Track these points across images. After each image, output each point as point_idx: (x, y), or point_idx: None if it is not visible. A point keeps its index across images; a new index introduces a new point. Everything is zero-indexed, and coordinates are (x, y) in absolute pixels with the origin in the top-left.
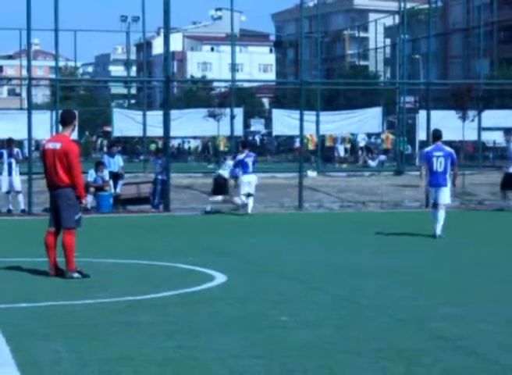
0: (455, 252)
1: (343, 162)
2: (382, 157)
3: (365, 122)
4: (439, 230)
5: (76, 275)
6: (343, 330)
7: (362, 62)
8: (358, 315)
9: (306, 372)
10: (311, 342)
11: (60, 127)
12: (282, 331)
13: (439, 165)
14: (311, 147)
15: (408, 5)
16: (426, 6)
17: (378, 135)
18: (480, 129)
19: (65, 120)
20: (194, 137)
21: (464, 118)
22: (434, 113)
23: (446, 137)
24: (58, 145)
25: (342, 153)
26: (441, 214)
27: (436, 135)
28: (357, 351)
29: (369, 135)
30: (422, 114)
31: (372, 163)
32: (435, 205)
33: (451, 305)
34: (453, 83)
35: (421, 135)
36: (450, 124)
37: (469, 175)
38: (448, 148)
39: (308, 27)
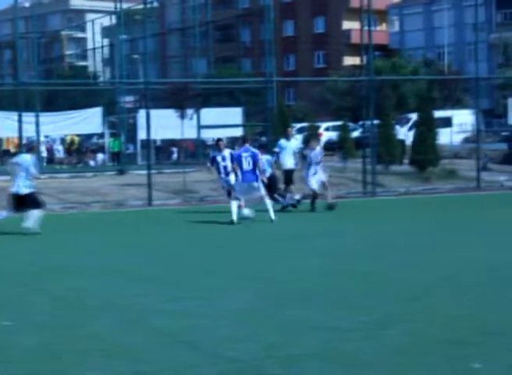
0: (179, 249)
1: (63, 163)
2: (101, 156)
3: (86, 122)
4: (273, 216)
5: None
6: (69, 330)
7: (81, 63)
8: (82, 315)
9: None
10: (37, 345)
11: None
12: (6, 336)
13: (247, 164)
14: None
15: (124, 6)
16: (142, 6)
17: (101, 136)
18: (199, 127)
19: None
20: None
21: (182, 116)
22: (154, 112)
23: (166, 135)
24: None
25: (61, 154)
26: (268, 202)
27: (244, 139)
28: (83, 350)
29: (90, 135)
30: (142, 113)
31: (93, 163)
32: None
33: (175, 301)
34: (171, 83)
35: (142, 134)
36: (170, 123)
37: (190, 172)
38: (253, 149)
39: (25, 28)
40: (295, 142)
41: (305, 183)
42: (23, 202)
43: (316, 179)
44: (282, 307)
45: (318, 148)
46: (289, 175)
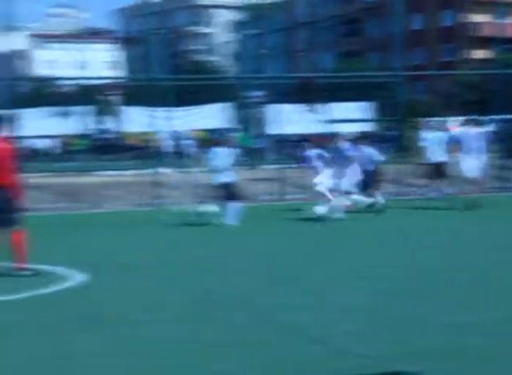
0: (304, 244)
1: (194, 158)
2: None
3: (214, 117)
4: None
5: (25, 273)
6: (199, 323)
7: (208, 58)
8: (212, 308)
9: (164, 366)
10: (170, 338)
11: None
12: (140, 329)
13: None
14: (161, 144)
15: (253, 0)
16: (270, 1)
17: (227, 130)
18: (328, 121)
19: None
20: (47, 137)
21: (311, 111)
22: (282, 107)
23: (294, 130)
24: None
25: (192, 149)
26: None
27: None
28: (214, 343)
29: (218, 130)
30: (270, 108)
31: None
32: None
33: (298, 296)
34: (298, 77)
35: (270, 129)
36: (298, 117)
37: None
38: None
39: (155, 23)
40: (440, 133)
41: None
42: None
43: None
44: (401, 302)
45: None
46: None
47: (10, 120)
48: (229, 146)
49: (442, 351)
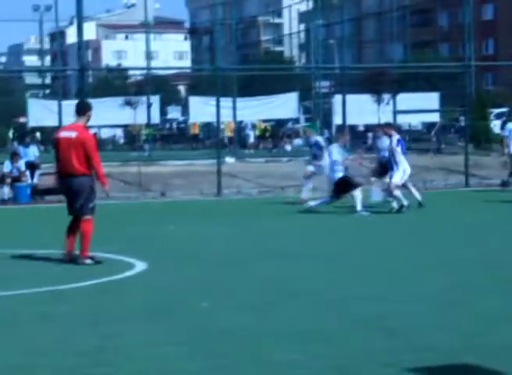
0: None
1: (255, 148)
2: (298, 141)
3: (282, 107)
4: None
5: (88, 261)
6: (265, 313)
7: (277, 48)
8: (279, 299)
9: (228, 356)
10: (233, 326)
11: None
12: (203, 317)
13: None
14: (228, 133)
15: None
16: None
17: (296, 120)
18: (395, 112)
19: (79, 110)
20: (113, 126)
21: (379, 101)
22: (349, 98)
23: (362, 121)
24: (73, 134)
25: (252, 139)
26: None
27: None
28: (278, 333)
29: (283, 121)
30: (338, 98)
31: (289, 148)
32: None
33: (369, 287)
34: (367, 68)
35: (337, 119)
36: (366, 108)
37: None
38: None
39: (223, 14)
40: None
41: None
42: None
43: None
44: (478, 296)
45: None
46: None
47: (89, 108)
48: (306, 137)
49: None
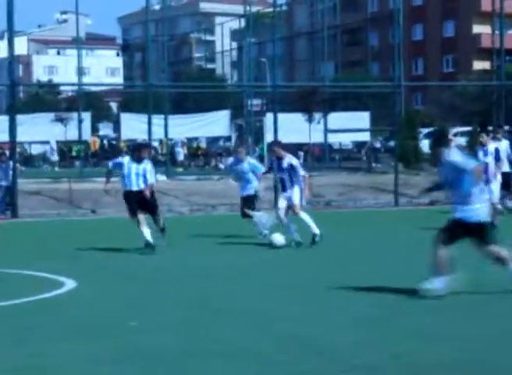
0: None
1: (183, 166)
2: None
3: (214, 125)
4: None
5: None
6: (192, 332)
7: (209, 66)
8: (207, 318)
9: None
10: (161, 346)
11: None
12: (131, 336)
13: None
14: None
15: (253, 9)
16: (271, 10)
17: (227, 138)
18: (326, 131)
19: None
20: (43, 142)
21: (310, 120)
22: (281, 116)
23: (293, 139)
24: None
25: (182, 157)
26: None
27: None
28: (207, 352)
29: (216, 139)
30: (270, 117)
31: (222, 166)
32: None
33: (299, 306)
34: (298, 86)
35: (269, 137)
36: (297, 127)
37: (316, 176)
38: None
39: (155, 30)
40: (505, 143)
41: None
42: None
43: None
44: (408, 315)
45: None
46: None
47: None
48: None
49: (445, 365)
